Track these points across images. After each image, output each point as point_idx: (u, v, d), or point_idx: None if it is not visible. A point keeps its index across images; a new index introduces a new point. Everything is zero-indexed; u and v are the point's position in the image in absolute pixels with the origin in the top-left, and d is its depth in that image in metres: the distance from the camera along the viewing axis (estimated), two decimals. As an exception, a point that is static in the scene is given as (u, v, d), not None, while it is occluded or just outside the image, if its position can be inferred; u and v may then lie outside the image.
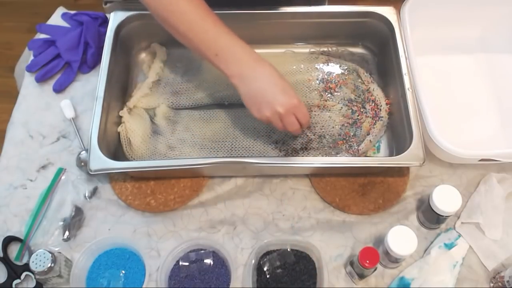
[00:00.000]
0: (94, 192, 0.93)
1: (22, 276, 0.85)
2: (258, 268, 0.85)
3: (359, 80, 1.02)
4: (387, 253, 0.80)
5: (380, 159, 0.93)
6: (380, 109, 0.97)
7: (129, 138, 0.94)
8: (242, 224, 0.90)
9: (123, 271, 0.85)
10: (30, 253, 0.86)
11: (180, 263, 0.85)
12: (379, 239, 0.88)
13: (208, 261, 0.85)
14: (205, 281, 0.84)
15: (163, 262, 0.84)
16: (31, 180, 0.95)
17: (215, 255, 0.86)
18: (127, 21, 0.99)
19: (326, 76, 1.02)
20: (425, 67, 0.96)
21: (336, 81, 1.01)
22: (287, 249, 0.84)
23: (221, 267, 0.85)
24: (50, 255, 0.80)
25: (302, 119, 0.83)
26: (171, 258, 0.85)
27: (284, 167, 0.89)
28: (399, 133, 0.94)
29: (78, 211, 0.91)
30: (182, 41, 0.82)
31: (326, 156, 0.93)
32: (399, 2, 1.01)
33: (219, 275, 0.84)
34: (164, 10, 0.81)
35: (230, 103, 1.00)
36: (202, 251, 0.86)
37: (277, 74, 0.81)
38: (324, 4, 1.15)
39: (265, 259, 0.84)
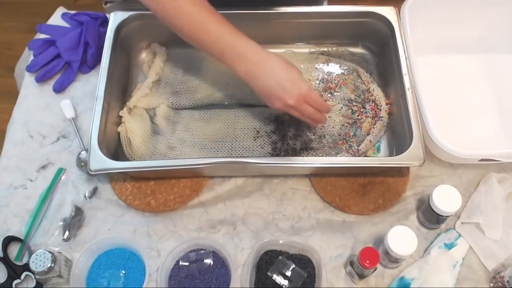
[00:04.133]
0: (94, 192, 0.93)
1: (22, 276, 0.85)
2: (258, 268, 0.85)
3: (359, 80, 1.02)
4: (387, 253, 0.80)
5: (380, 159, 0.93)
6: (380, 109, 0.97)
7: (129, 138, 0.94)
8: (242, 224, 0.90)
9: (123, 271, 0.85)
10: (30, 253, 0.86)
11: (180, 263, 0.85)
12: (379, 239, 0.88)
13: (208, 261, 0.85)
14: (205, 281, 0.84)
15: (163, 262, 0.84)
16: (31, 180, 0.95)
17: (215, 255, 0.86)
18: (127, 21, 0.99)
19: (326, 76, 1.02)
20: (425, 67, 0.96)
21: (336, 81, 1.01)
22: (285, 260, 0.84)
23: (221, 267, 0.85)
24: (50, 255, 0.80)
25: (316, 105, 0.83)
26: (171, 258, 0.85)
27: (284, 167, 0.89)
28: (399, 133, 0.94)
29: (78, 211, 0.91)
30: (189, 42, 0.83)
31: (326, 156, 0.93)
32: (399, 2, 1.01)
33: (219, 275, 0.84)
34: (168, 14, 0.82)
35: (230, 103, 1.00)
36: (202, 251, 0.86)
37: (283, 66, 0.81)
38: (323, 4, 1.15)
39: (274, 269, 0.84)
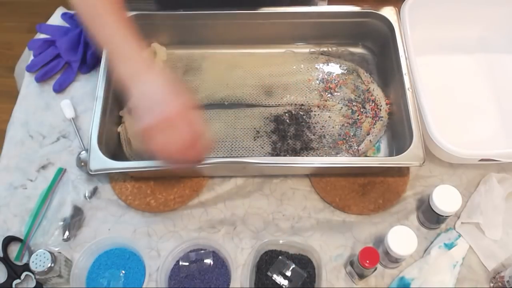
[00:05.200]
0: (94, 192, 0.93)
1: (22, 276, 0.85)
2: (258, 268, 0.85)
3: (359, 80, 1.02)
4: (387, 253, 0.80)
5: (380, 159, 0.93)
6: (380, 109, 0.97)
7: (129, 138, 0.94)
8: (242, 224, 0.90)
9: (123, 271, 0.85)
10: (30, 253, 0.86)
11: (180, 263, 0.85)
12: (379, 239, 0.88)
13: (208, 261, 0.85)
14: (205, 281, 0.84)
15: (163, 262, 0.84)
16: (31, 180, 0.95)
17: (215, 255, 0.86)
18: (127, 21, 0.99)
19: (326, 76, 1.02)
20: (425, 67, 0.96)
21: (336, 81, 1.01)
22: (285, 260, 0.84)
23: (221, 267, 0.85)
24: (50, 255, 0.80)
25: (183, 138, 0.71)
26: (171, 258, 0.85)
27: (284, 167, 0.89)
28: (399, 133, 0.94)
29: (78, 211, 0.91)
30: (87, 30, 0.78)
31: (326, 156, 0.93)
32: (399, 2, 1.01)
33: (219, 275, 0.84)
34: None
35: (230, 103, 1.00)
36: (202, 251, 0.86)
37: (168, 82, 0.73)
38: (314, 4, 1.15)
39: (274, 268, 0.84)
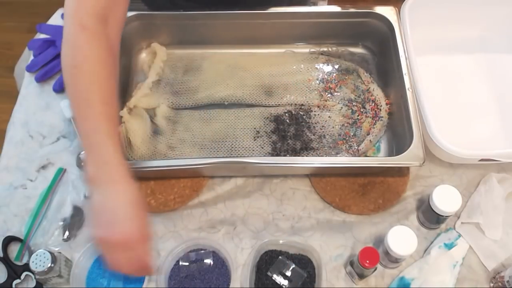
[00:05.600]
0: (94, 192, 0.93)
1: (22, 276, 0.85)
2: (258, 268, 0.85)
3: (359, 80, 1.02)
4: (387, 253, 0.80)
5: (380, 159, 0.93)
6: (380, 109, 0.97)
7: (129, 138, 0.93)
8: (242, 224, 0.90)
9: (123, 271, 0.85)
10: (30, 253, 0.86)
11: (180, 263, 0.85)
12: (379, 239, 0.88)
13: (208, 261, 0.85)
14: (205, 281, 0.84)
15: (163, 262, 0.84)
16: (31, 180, 0.95)
17: (215, 255, 0.86)
18: (127, 21, 0.98)
19: (326, 76, 1.02)
20: (425, 67, 0.96)
21: (336, 81, 1.01)
22: (285, 260, 0.84)
23: (221, 267, 0.85)
24: (50, 255, 0.80)
25: (136, 260, 0.71)
26: (171, 258, 0.85)
27: (284, 167, 0.89)
28: (399, 133, 0.94)
29: (78, 211, 0.91)
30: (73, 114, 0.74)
31: (326, 156, 0.93)
32: (399, 2, 1.01)
33: (219, 275, 0.84)
34: (65, 77, 0.73)
35: (230, 103, 1.00)
36: (202, 251, 0.86)
37: (134, 199, 0.71)
38: (313, 4, 1.15)
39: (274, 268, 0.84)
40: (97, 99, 0.71)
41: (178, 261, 0.85)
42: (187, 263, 0.85)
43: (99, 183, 0.71)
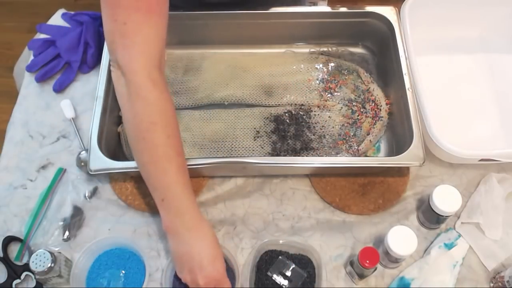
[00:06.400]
0: (94, 192, 0.93)
1: (22, 276, 0.85)
2: (258, 268, 0.85)
3: (359, 80, 1.02)
4: (387, 253, 0.80)
5: (380, 159, 0.93)
6: (380, 109, 0.97)
7: (129, 138, 0.94)
8: (242, 224, 0.90)
9: (123, 271, 0.85)
10: (30, 253, 0.86)
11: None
12: (379, 239, 0.88)
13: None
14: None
15: (167, 263, 0.84)
16: (31, 180, 0.95)
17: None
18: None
19: (326, 76, 1.02)
20: (425, 67, 0.96)
21: (336, 81, 1.01)
22: (285, 260, 0.84)
23: (227, 270, 0.84)
24: (50, 255, 0.80)
25: None
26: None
27: (284, 167, 0.89)
28: (399, 133, 0.94)
29: (78, 211, 0.91)
30: (139, 169, 0.78)
31: (326, 156, 0.93)
32: (399, 2, 1.01)
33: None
34: (138, 131, 0.74)
35: (230, 103, 1.00)
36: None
37: (212, 242, 0.76)
38: (305, 5, 1.15)
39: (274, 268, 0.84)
40: (175, 153, 0.75)
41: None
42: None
43: (174, 234, 0.76)
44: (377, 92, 0.99)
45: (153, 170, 0.75)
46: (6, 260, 0.86)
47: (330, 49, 1.07)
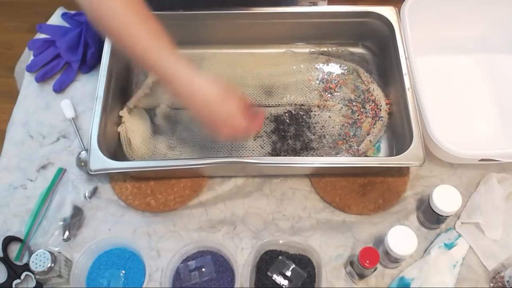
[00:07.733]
0: (94, 192, 0.93)
1: (22, 276, 0.85)
2: (258, 268, 0.85)
3: (359, 80, 1.02)
4: (387, 253, 0.80)
5: (380, 159, 0.93)
6: (380, 109, 0.97)
7: (129, 138, 0.94)
8: (242, 224, 0.90)
9: (123, 271, 0.85)
10: (30, 253, 0.86)
11: (185, 263, 0.85)
12: (379, 239, 0.88)
13: (212, 263, 0.85)
14: (209, 282, 0.84)
15: (167, 263, 0.84)
16: (31, 180, 0.95)
17: (219, 257, 0.86)
18: (127, 21, 0.99)
19: (326, 76, 1.02)
20: (425, 67, 0.96)
21: (336, 81, 1.01)
22: (285, 260, 0.84)
23: (225, 271, 0.84)
24: (50, 255, 0.80)
25: (253, 125, 0.78)
26: (178, 256, 0.85)
27: (284, 167, 0.89)
28: (399, 133, 0.94)
29: (78, 211, 0.91)
30: (118, 48, 0.75)
31: (326, 156, 0.93)
32: (399, 2, 1.01)
33: (223, 277, 0.84)
34: (95, 12, 0.71)
35: (230, 103, 1.00)
36: (206, 253, 0.86)
37: (216, 97, 0.74)
38: (297, 5, 1.15)
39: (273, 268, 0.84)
40: (139, 20, 0.71)
41: (182, 262, 0.85)
42: (191, 264, 0.85)
43: (187, 95, 0.74)
44: (377, 92, 0.99)
45: (122, 46, 0.72)
46: (6, 260, 0.86)
47: (330, 49, 1.07)
